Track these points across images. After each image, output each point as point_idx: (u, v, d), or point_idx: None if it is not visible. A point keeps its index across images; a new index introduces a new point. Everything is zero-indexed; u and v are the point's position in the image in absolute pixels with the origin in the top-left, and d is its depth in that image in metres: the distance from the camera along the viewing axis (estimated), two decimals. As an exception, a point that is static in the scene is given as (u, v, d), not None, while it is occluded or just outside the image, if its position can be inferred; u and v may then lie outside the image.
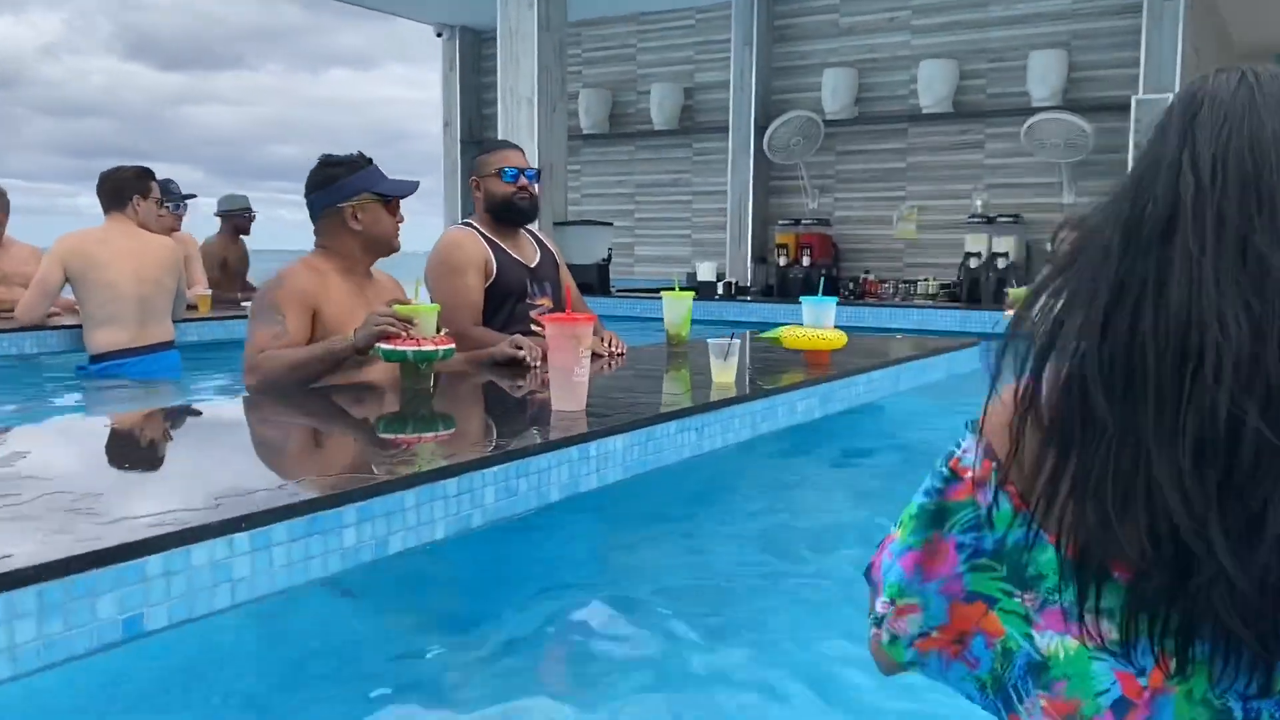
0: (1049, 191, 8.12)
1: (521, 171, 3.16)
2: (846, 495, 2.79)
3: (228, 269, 6.40)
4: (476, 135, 10.45)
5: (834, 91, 8.65)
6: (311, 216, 2.54)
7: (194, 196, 5.18)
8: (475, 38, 10.60)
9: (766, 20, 9.02)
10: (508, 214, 3.14)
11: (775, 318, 6.92)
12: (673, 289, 3.14)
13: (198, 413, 2.47)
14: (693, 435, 1.97)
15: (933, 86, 8.28)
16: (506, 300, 3.05)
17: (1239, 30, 10.08)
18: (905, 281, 8.30)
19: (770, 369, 2.74)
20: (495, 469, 1.56)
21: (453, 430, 2.03)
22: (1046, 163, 7.97)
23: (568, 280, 3.30)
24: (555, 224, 7.48)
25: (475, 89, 10.65)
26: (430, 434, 1.96)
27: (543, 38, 7.26)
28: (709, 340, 2.40)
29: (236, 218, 6.56)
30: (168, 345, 4.36)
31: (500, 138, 7.51)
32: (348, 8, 9.76)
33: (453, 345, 2.33)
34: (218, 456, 1.79)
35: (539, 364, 2.72)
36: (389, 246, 2.57)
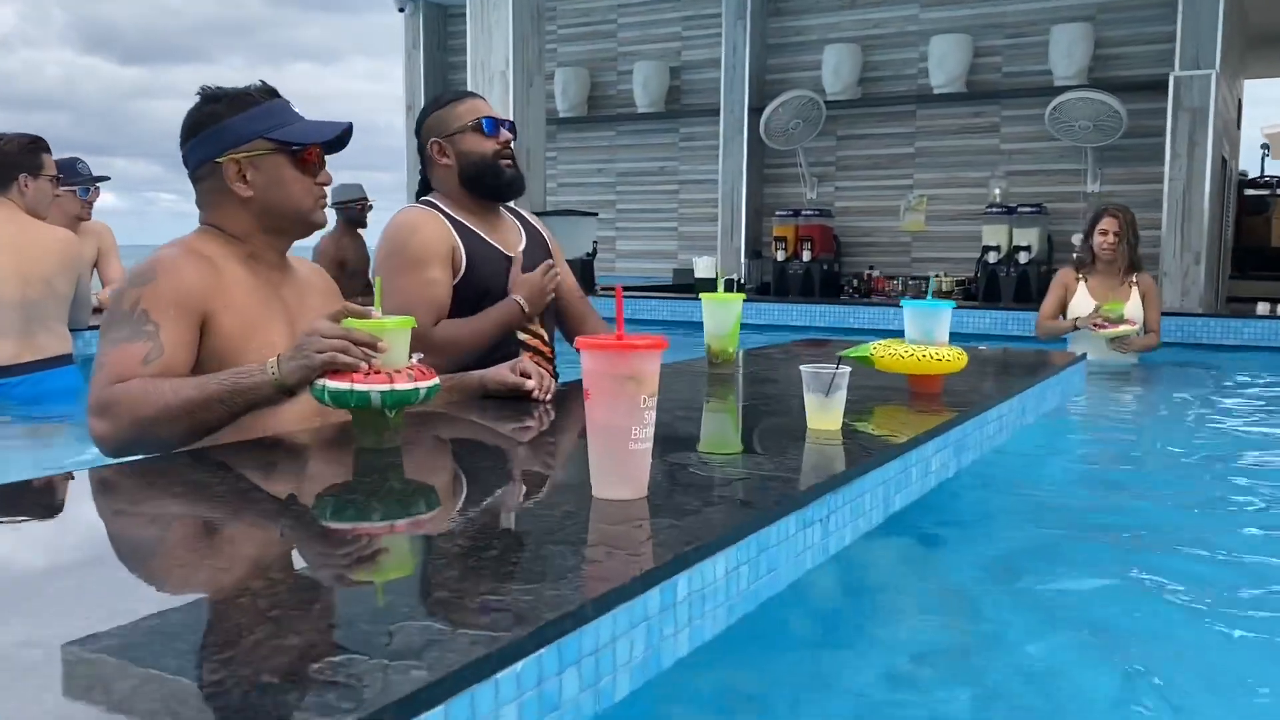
0: (1073, 179, 7.44)
1: (500, 124, 2.38)
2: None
3: (346, 269, 5.74)
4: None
5: (835, 70, 7.91)
6: (191, 178, 1.76)
7: (106, 179, 4.33)
8: (440, 12, 9.75)
9: (760, -8, 8.26)
10: (493, 184, 2.35)
11: (784, 319, 6.19)
12: (702, 292, 2.37)
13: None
14: (816, 532, 1.20)
15: (944, 64, 7.57)
16: (482, 303, 2.27)
17: (1256, 10, 9.47)
18: (915, 278, 7.58)
19: (865, 405, 1.94)
20: (521, 667, 0.78)
21: (444, 522, 1.23)
22: (1070, 147, 7.28)
23: (566, 275, 2.53)
24: (534, 214, 6.68)
25: (441, 68, 9.80)
26: (405, 523, 1.18)
27: (519, 3, 6.45)
28: (804, 369, 1.62)
29: (350, 209, 5.88)
30: (62, 360, 3.52)
31: (470, 117, 6.69)
32: (348, 7, 8.89)
33: (437, 380, 1.55)
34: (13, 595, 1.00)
35: (548, 398, 1.94)
36: (302, 220, 1.74)
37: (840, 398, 1.61)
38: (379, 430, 1.49)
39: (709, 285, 6.06)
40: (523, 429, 1.76)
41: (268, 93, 1.73)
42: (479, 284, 2.28)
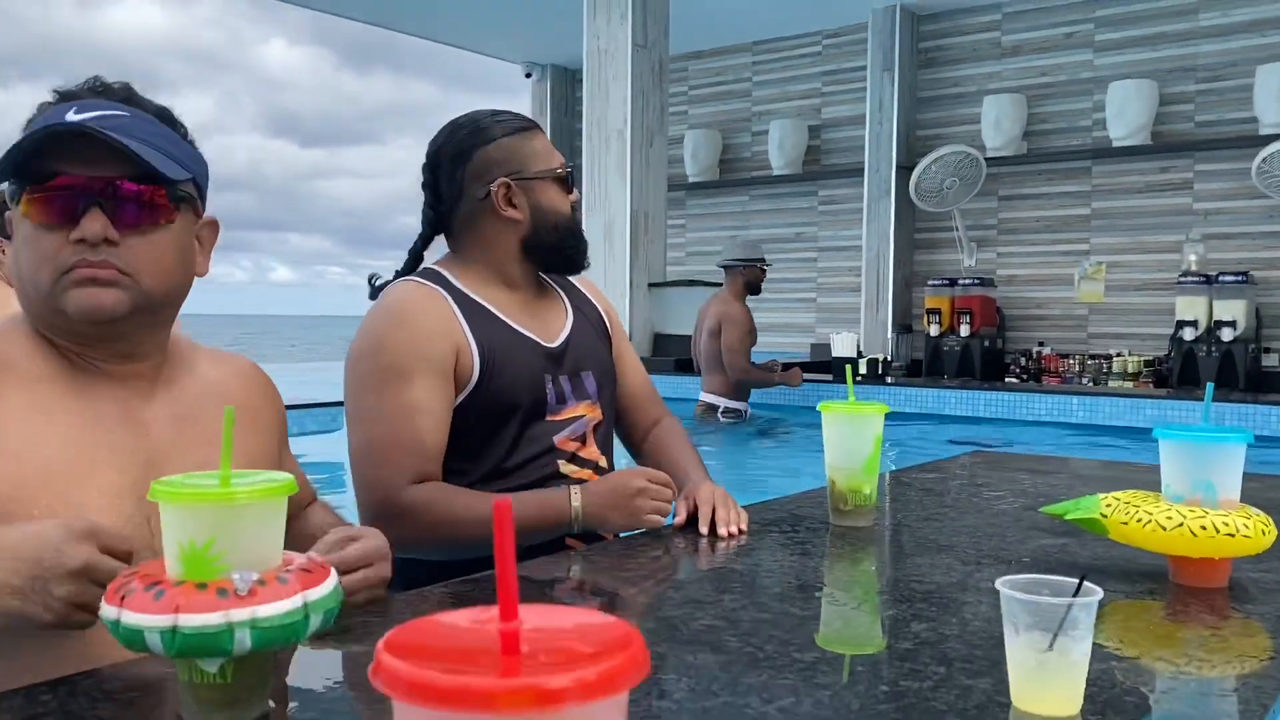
0: (1286, 243, 6.32)
1: (571, 173, 1.70)
2: None
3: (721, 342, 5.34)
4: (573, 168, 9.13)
5: (996, 123, 7.04)
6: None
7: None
8: (568, 77, 9.35)
9: (910, 42, 7.50)
10: (572, 254, 1.67)
11: (938, 406, 5.29)
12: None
13: None
14: None
15: (1124, 114, 6.60)
16: (507, 421, 1.56)
17: None
18: (1094, 357, 6.55)
19: (1102, 611, 1.11)
20: None
21: None
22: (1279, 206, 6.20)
23: (627, 354, 1.81)
24: (651, 285, 6.04)
25: (568, 133, 9.36)
26: None
27: (638, 56, 5.89)
28: (1007, 591, 0.84)
29: (747, 271, 5.41)
30: None
31: (585, 178, 6.14)
32: (479, 85, 8.66)
33: (337, 588, 0.85)
34: None
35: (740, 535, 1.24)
36: (37, 288, 1.02)
37: (1081, 652, 0.83)
38: (234, 699, 0.79)
39: (847, 365, 5.15)
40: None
41: (64, 95, 1.08)
42: (502, 397, 1.55)
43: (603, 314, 1.80)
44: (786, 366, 5.64)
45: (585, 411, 1.65)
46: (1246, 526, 1.17)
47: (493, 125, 1.64)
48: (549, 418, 1.61)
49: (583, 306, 1.76)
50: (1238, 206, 6.47)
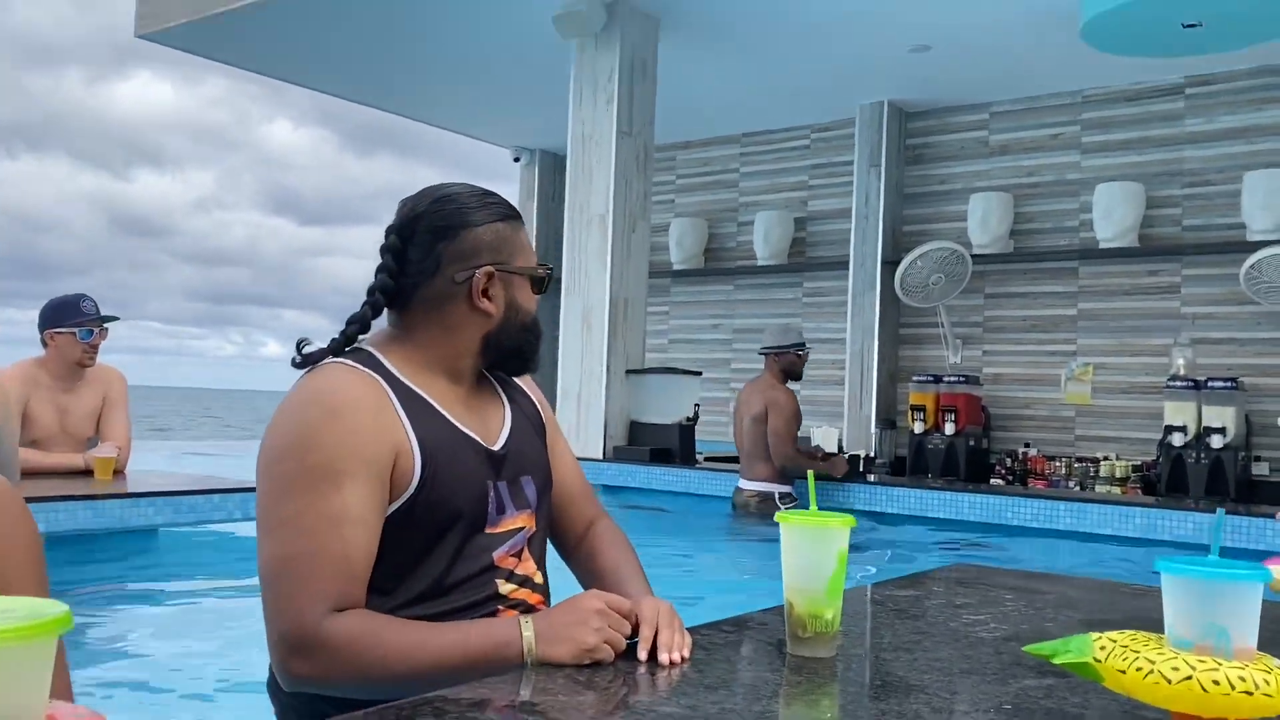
0: (1276, 350, 6.23)
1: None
2: None
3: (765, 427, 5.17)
4: (553, 269, 9.06)
5: (983, 221, 7.00)
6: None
7: (115, 319, 3.72)
8: (556, 162, 9.35)
9: (898, 139, 7.51)
10: (529, 358, 1.52)
11: (921, 508, 5.10)
12: (792, 508, 1.43)
13: None
14: None
15: (1111, 215, 6.57)
16: (444, 534, 1.37)
17: None
18: (1081, 460, 6.39)
19: None
20: None
21: None
22: (1269, 312, 6.12)
23: (562, 450, 1.63)
24: (629, 372, 5.89)
25: (554, 218, 9.31)
26: None
27: (622, 143, 5.84)
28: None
29: (783, 357, 5.28)
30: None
31: (565, 263, 6.03)
32: (476, 169, 8.70)
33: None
34: None
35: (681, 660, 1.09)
36: None
37: None
38: None
39: (810, 471, 4.94)
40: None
41: None
42: (443, 506, 1.35)
43: (538, 407, 1.63)
44: (826, 455, 5.50)
45: (524, 523, 1.47)
46: (1268, 683, 0.99)
47: (485, 206, 1.48)
48: (489, 529, 1.43)
49: (519, 400, 1.59)
50: (1226, 312, 6.39)
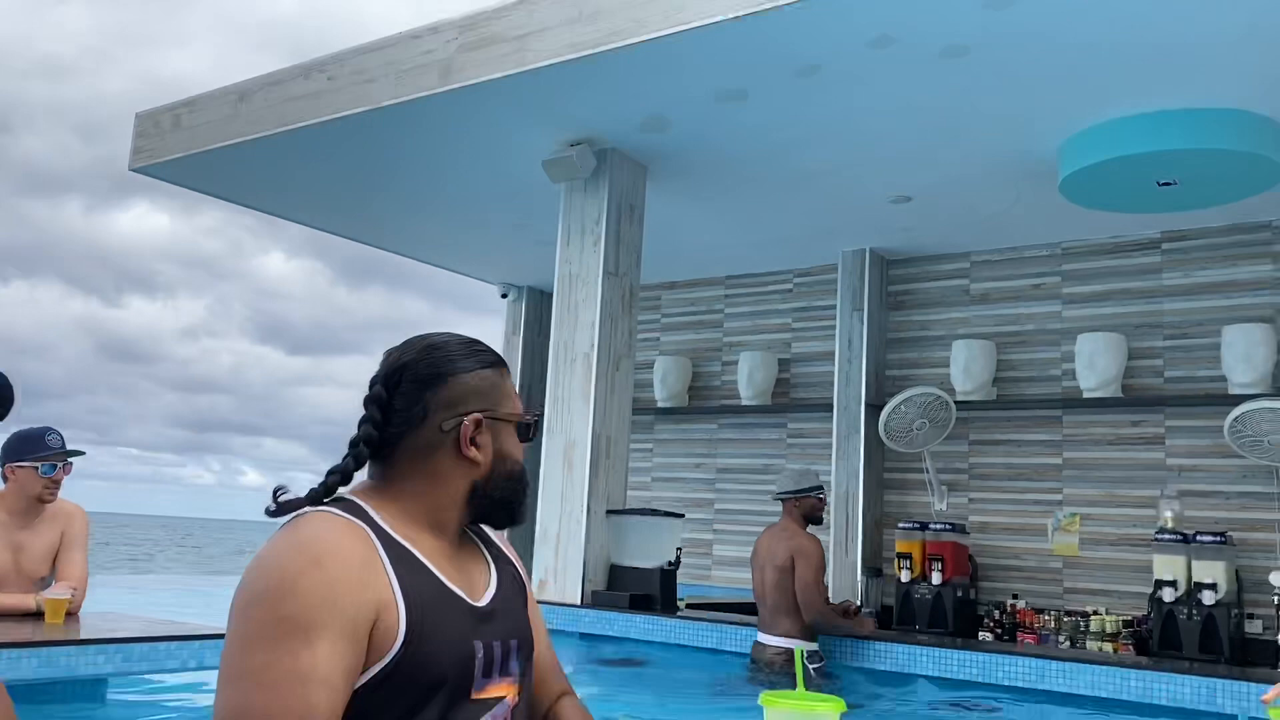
0: (1263, 504, 6.17)
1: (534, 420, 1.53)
2: None
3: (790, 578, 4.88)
4: (536, 406, 9.01)
5: (966, 368, 7.02)
6: None
7: (80, 453, 3.62)
8: (543, 300, 9.41)
9: (880, 284, 7.60)
10: (516, 510, 1.48)
11: (911, 665, 4.92)
12: (774, 690, 1.33)
13: None
14: None
15: (1094, 365, 6.59)
16: (427, 701, 1.27)
17: None
18: (1070, 613, 6.24)
19: None
20: None
21: None
22: (1257, 466, 6.09)
23: (538, 616, 1.56)
24: (610, 512, 5.77)
25: (540, 354, 9.32)
26: None
27: (608, 283, 5.88)
28: None
29: (803, 502, 5.05)
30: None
31: (548, 400, 5.99)
32: (467, 303, 8.76)
33: None
34: None
35: None
36: None
37: None
38: None
39: (798, 649, 4.72)
40: None
41: None
42: (427, 669, 1.26)
43: (517, 568, 1.56)
44: (854, 610, 5.13)
45: (506, 691, 1.38)
46: None
47: (472, 354, 1.47)
48: (474, 695, 1.33)
49: (501, 559, 1.52)
50: (1212, 464, 6.35)
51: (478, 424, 1.42)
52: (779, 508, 5.19)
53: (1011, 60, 4.47)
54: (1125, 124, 4.95)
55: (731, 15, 4.22)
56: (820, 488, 5.16)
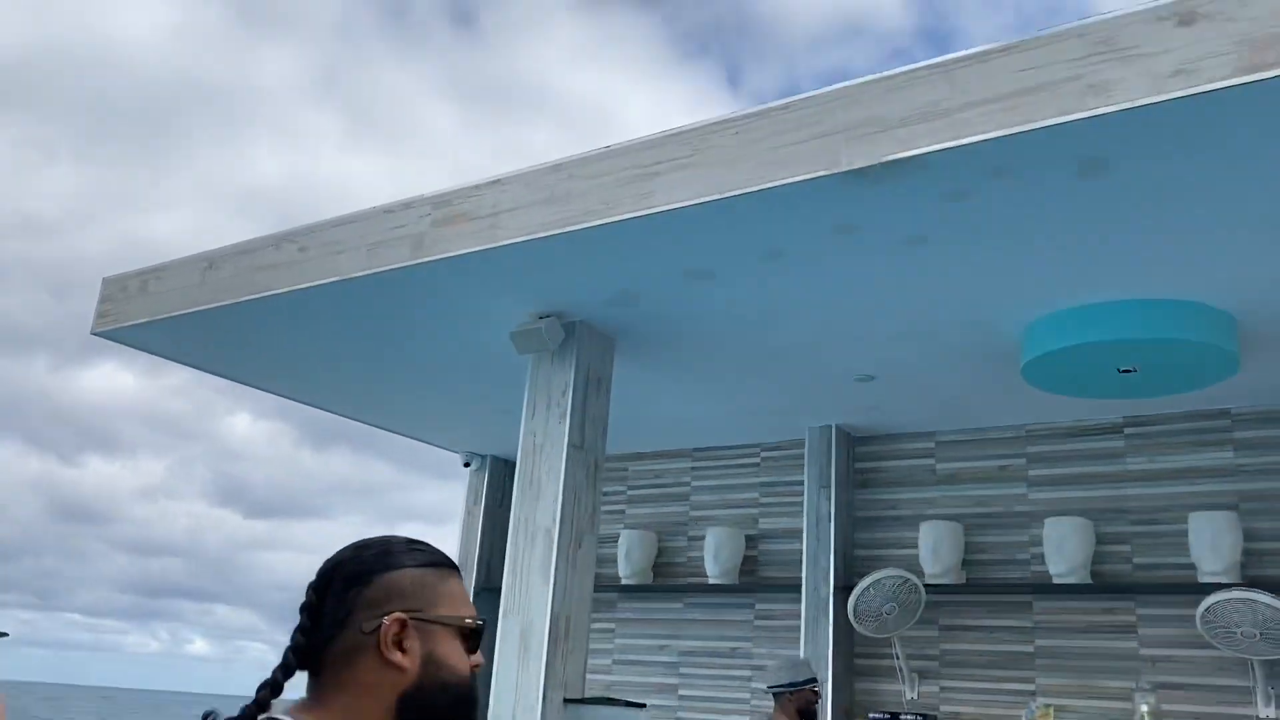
0: (1239, 699, 6.00)
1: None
2: None
3: None
4: (494, 581, 8.75)
5: (934, 550, 6.92)
6: None
7: (4, 635, 3.41)
8: (506, 468, 9.28)
9: (846, 462, 7.56)
10: None
11: None
12: None
13: None
14: None
15: (1063, 550, 6.52)
16: None
17: None
18: (1050, 815, 5.94)
19: None
20: None
21: None
22: (1233, 658, 5.94)
23: None
24: (567, 701, 5.49)
25: (502, 527, 9.11)
26: None
27: (573, 455, 5.79)
28: None
29: (798, 696, 4.92)
30: None
31: (506, 578, 5.79)
32: (433, 470, 8.64)
33: None
34: None
35: None
36: None
37: None
38: None
39: None
40: None
41: None
42: None
43: None
44: None
45: None
46: None
47: (406, 552, 1.38)
48: None
49: None
50: (1187, 655, 6.20)
51: (402, 625, 1.31)
52: (747, 695, 4.97)
53: (971, 249, 4.58)
54: (1085, 312, 5.05)
55: (698, 200, 4.32)
56: (815, 679, 4.98)
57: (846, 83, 4.05)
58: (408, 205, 5.43)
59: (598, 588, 6.50)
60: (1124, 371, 5.31)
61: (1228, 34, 3.23)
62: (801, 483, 7.61)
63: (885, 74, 3.96)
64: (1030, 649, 6.67)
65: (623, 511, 8.67)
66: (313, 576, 1.35)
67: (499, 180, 5.09)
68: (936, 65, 3.83)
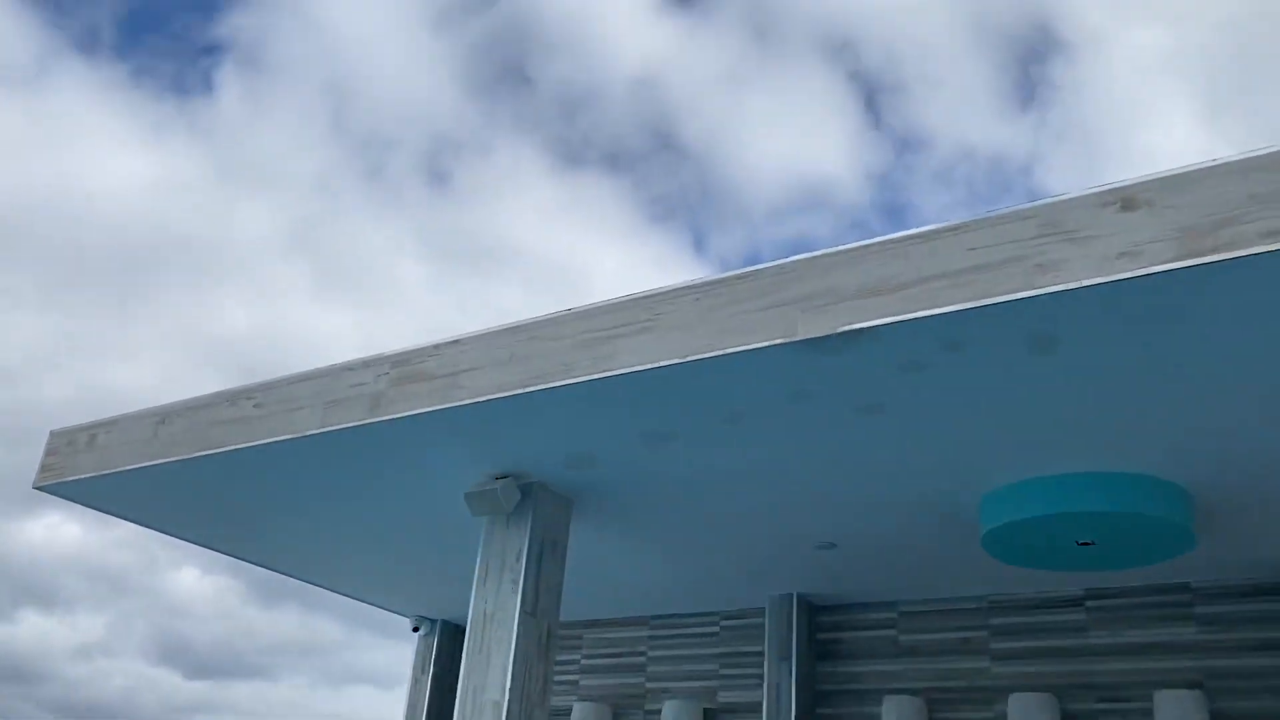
0: None
1: None
2: None
3: None
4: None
5: (898, 726, 6.69)
6: None
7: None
8: (457, 632, 8.97)
9: (807, 632, 7.38)
10: None
11: None
12: None
13: None
14: None
15: (1029, 728, 6.32)
16: None
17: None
18: None
19: None
20: None
21: None
22: None
23: None
24: None
25: (451, 695, 8.73)
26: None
27: (525, 624, 5.60)
28: None
29: None
30: None
31: (451, 754, 5.49)
32: (382, 630, 8.37)
33: None
34: None
35: None
36: None
37: None
38: None
39: None
40: None
41: None
42: None
43: None
44: None
45: None
46: None
47: None
48: None
49: None
50: (1159, 843, 5.95)
51: None
52: None
53: (927, 419, 4.61)
54: (1041, 484, 5.05)
55: (657, 364, 4.34)
56: None
57: (803, 255, 4.16)
58: (367, 364, 5.41)
59: (548, 764, 6.19)
60: (1082, 544, 5.29)
61: (1168, 220, 3.37)
62: (762, 653, 7.40)
63: (841, 248, 4.07)
64: (999, 836, 6.38)
65: (576, 682, 8.35)
66: None
67: (459, 340, 5.09)
68: (890, 241, 3.94)
